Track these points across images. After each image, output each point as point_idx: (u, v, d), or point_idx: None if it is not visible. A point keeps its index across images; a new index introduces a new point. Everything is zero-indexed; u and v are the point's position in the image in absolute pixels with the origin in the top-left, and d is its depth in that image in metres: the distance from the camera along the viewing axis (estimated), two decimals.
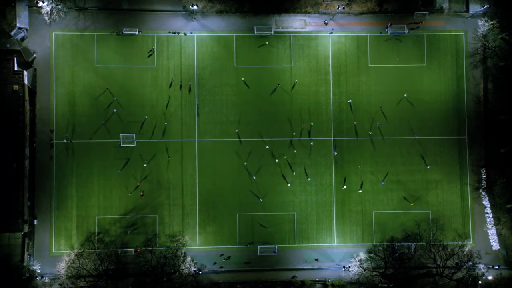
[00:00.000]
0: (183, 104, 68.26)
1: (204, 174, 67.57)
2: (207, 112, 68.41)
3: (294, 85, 68.64)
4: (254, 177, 67.10)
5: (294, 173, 67.39)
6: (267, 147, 67.08)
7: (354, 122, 68.99)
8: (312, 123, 67.90)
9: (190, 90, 68.44)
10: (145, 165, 66.48)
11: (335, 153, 68.04)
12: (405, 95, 69.98)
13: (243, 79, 68.24)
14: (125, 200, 66.74)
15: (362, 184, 68.84)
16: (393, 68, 70.45)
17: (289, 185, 67.31)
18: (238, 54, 69.40)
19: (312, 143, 67.91)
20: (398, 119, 69.97)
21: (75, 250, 64.09)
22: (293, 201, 68.35)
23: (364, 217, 68.68)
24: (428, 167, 68.35)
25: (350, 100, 68.93)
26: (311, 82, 69.84)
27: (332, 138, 69.72)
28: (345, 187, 68.33)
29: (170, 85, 68.17)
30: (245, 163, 67.37)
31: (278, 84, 68.84)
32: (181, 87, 68.40)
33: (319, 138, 69.31)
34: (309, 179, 67.14)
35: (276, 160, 66.73)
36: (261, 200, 67.62)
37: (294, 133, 67.39)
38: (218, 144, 68.09)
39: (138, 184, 66.51)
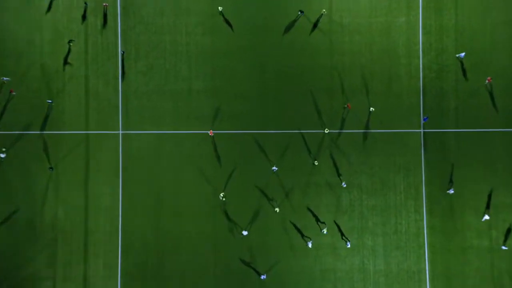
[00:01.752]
0: (91, 53, 31.75)
1: (135, 207, 31.41)
2: (144, 73, 32.06)
3: (320, 17, 31.87)
4: (244, 232, 31.29)
5: (325, 230, 31.10)
6: (274, 168, 31.32)
7: (488, 79, 31.14)
8: (372, 108, 31.53)
9: (105, 21, 31.97)
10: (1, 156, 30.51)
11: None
12: None
13: (220, 9, 31.76)
14: None
15: (509, 231, 30.31)
16: None
17: (309, 244, 30.99)
18: None
19: (341, 182, 31.80)
20: None
21: None
22: (332, 269, 31.41)
23: None
24: None
25: (462, 54, 31.32)
26: (374, 5, 32.03)
27: (422, 131, 31.93)
28: (487, 217, 30.68)
29: (50, 8, 31.01)
30: (222, 196, 31.32)
31: (301, 12, 31.86)
32: (85, 14, 31.28)
33: (390, 129, 31.91)
34: (348, 245, 30.84)
35: (277, 210, 31.11)
36: (264, 277, 30.36)
37: (326, 130, 31.55)
38: (168, 143, 31.86)
39: None
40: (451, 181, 31.20)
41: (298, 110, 31.97)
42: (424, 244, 31.32)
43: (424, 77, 31.90)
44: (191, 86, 31.81)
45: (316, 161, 31.29)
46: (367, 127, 31.90)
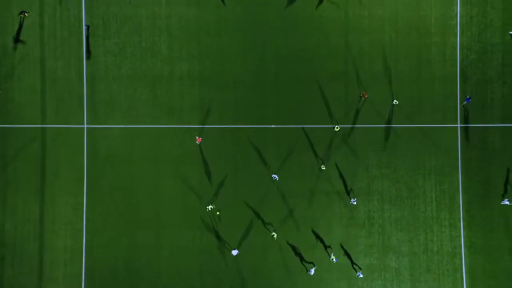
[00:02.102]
0: (48, 28, 29.58)
1: (103, 219, 28.93)
2: (115, 53, 29.73)
3: None
4: (234, 251, 29.00)
5: (334, 257, 27.99)
6: (274, 176, 29.05)
7: None
8: (395, 101, 28.43)
9: None
10: None
11: None
12: None
13: None
14: None
15: None
16: None
17: (311, 272, 28.16)
18: None
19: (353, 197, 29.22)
20: None
21: None
22: None
23: None
24: None
25: None
26: None
27: (459, 125, 28.83)
28: None
29: None
30: (210, 208, 29.02)
31: None
32: None
33: (419, 124, 28.83)
34: (360, 274, 27.76)
35: (274, 235, 28.60)
36: None
37: (337, 128, 28.97)
38: (144, 140, 29.35)
39: None
40: (506, 189, 26.54)
41: (302, 101, 29.00)
42: (462, 266, 28.12)
43: (462, 60, 28.48)
44: (172, 69, 28.76)
45: (323, 166, 28.08)
46: (389, 122, 28.52)
